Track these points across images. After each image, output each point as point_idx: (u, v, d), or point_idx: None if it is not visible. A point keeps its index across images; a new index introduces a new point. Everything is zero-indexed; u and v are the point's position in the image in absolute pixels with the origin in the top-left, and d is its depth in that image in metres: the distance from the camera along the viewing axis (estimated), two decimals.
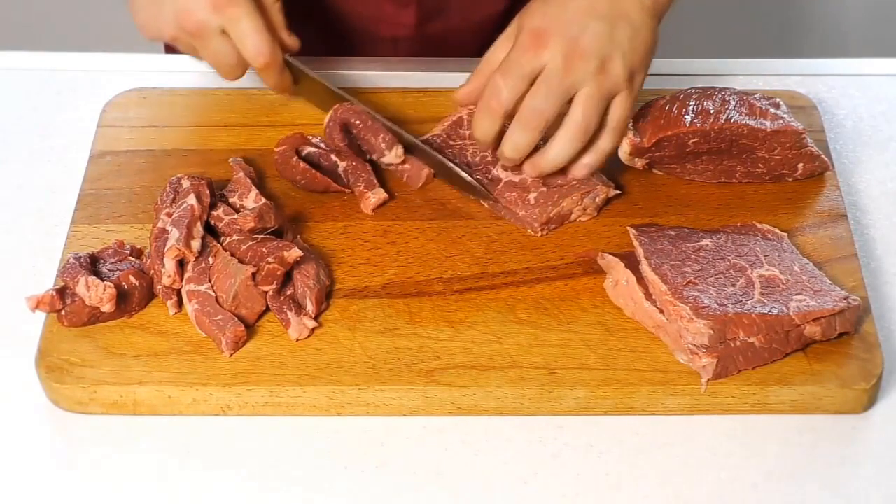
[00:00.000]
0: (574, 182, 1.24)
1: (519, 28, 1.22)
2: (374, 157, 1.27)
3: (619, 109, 1.22)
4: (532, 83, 1.20)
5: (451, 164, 1.26)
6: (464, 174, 1.25)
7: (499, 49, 1.25)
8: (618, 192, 1.26)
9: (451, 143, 1.29)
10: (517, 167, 1.25)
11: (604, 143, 1.23)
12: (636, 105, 1.24)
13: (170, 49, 1.60)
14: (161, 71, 1.42)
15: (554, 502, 1.07)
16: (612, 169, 1.28)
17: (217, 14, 1.24)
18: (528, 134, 1.21)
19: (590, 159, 1.23)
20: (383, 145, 1.26)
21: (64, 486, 1.08)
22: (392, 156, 1.26)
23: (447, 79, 1.39)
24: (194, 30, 1.25)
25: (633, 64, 1.21)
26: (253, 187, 1.23)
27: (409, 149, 1.28)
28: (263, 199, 1.21)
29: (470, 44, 1.52)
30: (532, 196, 1.24)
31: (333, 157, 1.27)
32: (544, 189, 1.24)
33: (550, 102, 1.19)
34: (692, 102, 1.25)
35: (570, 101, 1.20)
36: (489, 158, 1.28)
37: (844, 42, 2.65)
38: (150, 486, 1.08)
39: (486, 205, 1.25)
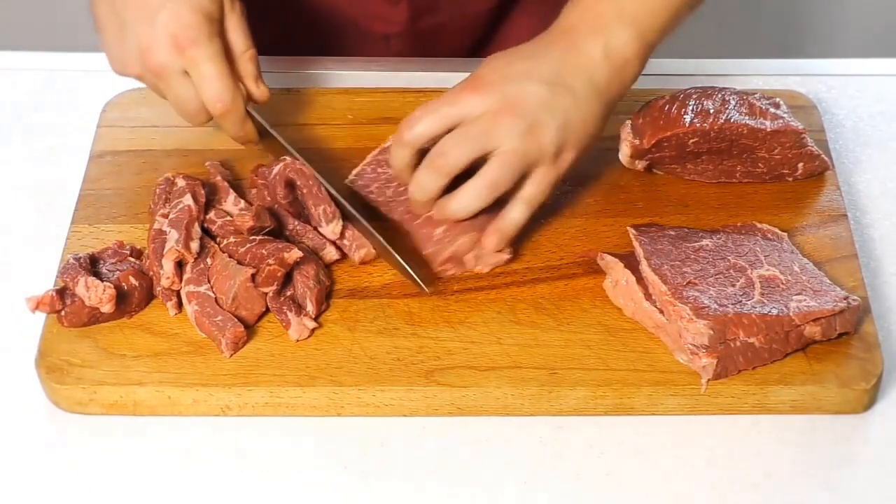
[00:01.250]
0: (477, 222, 1.19)
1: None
2: (313, 224, 1.21)
3: (534, 183, 1.16)
4: (452, 126, 1.16)
5: (391, 250, 1.18)
6: (402, 262, 1.18)
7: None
8: (509, 256, 1.20)
9: (380, 171, 1.25)
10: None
11: (513, 212, 1.17)
12: (557, 188, 1.19)
13: None
14: None
15: (554, 502, 1.07)
16: (612, 169, 1.28)
17: (179, 55, 1.19)
18: (433, 176, 1.16)
19: (499, 225, 1.18)
20: (322, 218, 1.20)
21: (64, 486, 1.08)
22: (328, 230, 1.20)
23: (447, 79, 1.39)
24: (156, 70, 1.20)
25: (564, 138, 1.16)
26: (231, 191, 1.22)
27: (351, 221, 1.22)
28: (242, 202, 1.21)
29: (462, 40, 1.52)
30: (438, 232, 1.20)
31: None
32: (447, 227, 1.20)
33: (462, 150, 1.15)
34: (692, 102, 1.25)
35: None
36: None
37: (844, 42, 2.65)
38: (150, 486, 1.08)
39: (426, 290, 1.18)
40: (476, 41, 1.54)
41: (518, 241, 1.21)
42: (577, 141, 1.17)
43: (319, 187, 1.21)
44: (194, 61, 1.19)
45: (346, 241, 1.21)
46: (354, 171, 1.26)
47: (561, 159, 1.17)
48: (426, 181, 1.17)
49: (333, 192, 1.22)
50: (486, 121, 1.15)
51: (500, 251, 1.20)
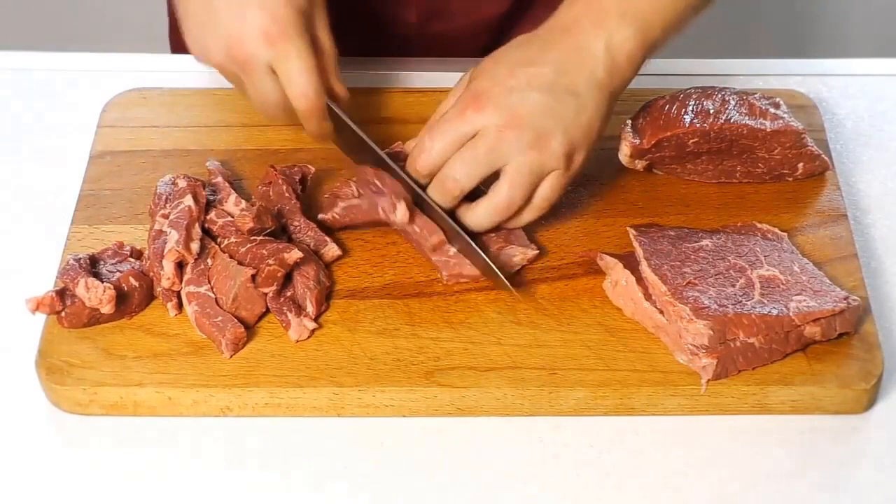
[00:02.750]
0: (493, 235, 1.20)
1: (466, 84, 1.20)
2: (381, 216, 1.20)
3: (548, 189, 1.17)
4: (462, 146, 1.16)
5: (478, 249, 1.17)
6: (488, 260, 1.17)
7: (448, 102, 1.21)
8: (536, 251, 1.21)
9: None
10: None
11: (524, 216, 1.19)
12: (570, 186, 1.19)
13: (176, 49, 1.60)
14: (161, 71, 1.42)
15: (554, 502, 1.07)
16: (611, 169, 1.28)
17: (268, 47, 1.17)
18: (444, 199, 1.18)
19: (508, 225, 1.20)
20: (393, 201, 1.19)
21: (64, 487, 1.08)
22: (399, 213, 1.18)
23: (448, 79, 1.39)
24: (242, 61, 1.18)
25: (573, 141, 1.16)
26: (232, 191, 1.23)
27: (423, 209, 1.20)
28: (243, 203, 1.21)
29: (472, 44, 1.52)
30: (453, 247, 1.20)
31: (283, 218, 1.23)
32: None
33: (472, 172, 1.16)
34: (692, 102, 1.25)
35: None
36: None
37: (844, 42, 2.65)
38: (150, 487, 1.08)
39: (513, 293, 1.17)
40: (486, 47, 1.53)
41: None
42: (584, 141, 1.17)
43: (391, 176, 1.19)
44: (283, 55, 1.18)
45: (416, 228, 1.19)
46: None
47: (572, 162, 1.17)
48: (439, 202, 1.18)
49: (412, 184, 1.20)
50: (493, 137, 1.15)
51: (525, 247, 1.20)
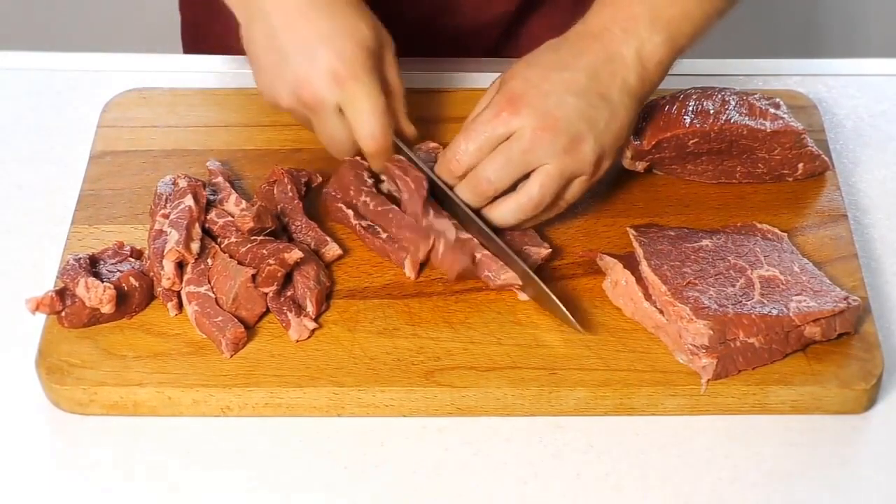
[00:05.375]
0: (508, 236, 1.20)
1: (499, 87, 1.19)
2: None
3: (574, 192, 1.19)
4: (496, 147, 1.17)
5: (550, 293, 1.15)
6: (559, 303, 1.15)
7: (481, 105, 1.21)
8: (549, 250, 1.20)
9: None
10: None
11: (542, 216, 1.20)
12: (593, 186, 1.20)
13: (188, 49, 1.60)
14: (161, 71, 1.42)
15: (554, 502, 1.07)
16: (612, 170, 1.27)
17: (337, 89, 1.17)
18: (474, 199, 1.18)
19: (526, 224, 1.21)
20: (498, 270, 1.17)
21: (64, 487, 1.08)
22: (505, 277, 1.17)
23: (448, 79, 1.39)
24: (311, 103, 1.18)
25: (603, 147, 1.17)
26: (232, 191, 1.23)
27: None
28: (244, 202, 1.21)
29: (480, 42, 1.52)
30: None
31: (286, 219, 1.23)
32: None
33: (506, 173, 1.16)
34: (692, 103, 1.25)
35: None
36: None
37: (845, 42, 2.65)
38: (150, 486, 1.08)
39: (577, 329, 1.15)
40: (493, 45, 1.53)
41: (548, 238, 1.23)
42: (613, 147, 1.19)
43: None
44: (352, 96, 1.17)
45: (489, 274, 1.17)
46: None
47: (600, 167, 1.19)
48: (467, 200, 1.19)
49: (483, 226, 1.19)
50: (528, 139, 1.15)
51: (539, 246, 1.20)
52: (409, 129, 1.25)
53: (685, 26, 1.19)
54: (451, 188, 1.20)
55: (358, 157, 1.24)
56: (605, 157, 1.18)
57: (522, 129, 1.15)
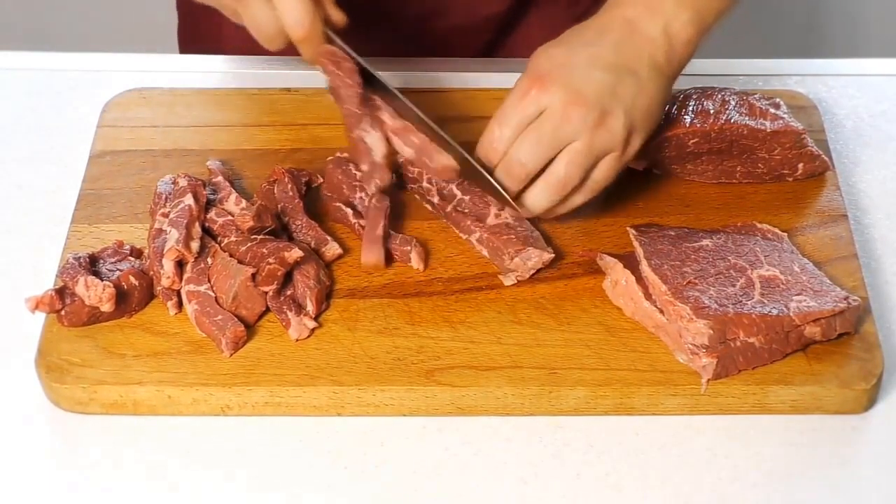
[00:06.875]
0: (513, 236, 1.20)
1: (526, 69, 1.18)
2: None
3: (604, 170, 1.17)
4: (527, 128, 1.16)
5: (478, 166, 1.18)
6: (488, 176, 1.17)
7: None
8: (552, 255, 1.20)
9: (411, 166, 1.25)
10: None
11: (575, 199, 1.19)
12: (624, 170, 1.19)
13: (185, 48, 1.60)
14: (161, 71, 1.42)
15: (554, 502, 1.07)
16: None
17: None
18: (511, 183, 1.17)
19: (558, 209, 1.20)
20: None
21: (64, 486, 1.08)
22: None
23: (447, 79, 1.39)
24: None
25: (633, 122, 1.16)
26: (232, 190, 1.23)
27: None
28: (244, 202, 1.21)
29: (472, 42, 1.52)
30: (474, 238, 1.21)
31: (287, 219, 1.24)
32: (486, 235, 1.20)
33: (538, 153, 1.15)
34: (692, 103, 1.25)
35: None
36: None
37: (845, 42, 2.65)
38: (150, 486, 1.08)
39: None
40: (486, 45, 1.53)
41: (548, 243, 1.22)
42: (644, 124, 1.17)
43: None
44: None
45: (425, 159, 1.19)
46: None
47: (630, 145, 1.17)
48: (507, 187, 1.18)
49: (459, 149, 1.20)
50: (557, 116, 1.14)
51: (542, 249, 1.19)
52: (338, 16, 1.22)
53: (713, 2, 1.18)
54: (490, 172, 1.19)
55: (339, 154, 1.25)
56: (636, 132, 1.17)
57: (552, 105, 1.14)
